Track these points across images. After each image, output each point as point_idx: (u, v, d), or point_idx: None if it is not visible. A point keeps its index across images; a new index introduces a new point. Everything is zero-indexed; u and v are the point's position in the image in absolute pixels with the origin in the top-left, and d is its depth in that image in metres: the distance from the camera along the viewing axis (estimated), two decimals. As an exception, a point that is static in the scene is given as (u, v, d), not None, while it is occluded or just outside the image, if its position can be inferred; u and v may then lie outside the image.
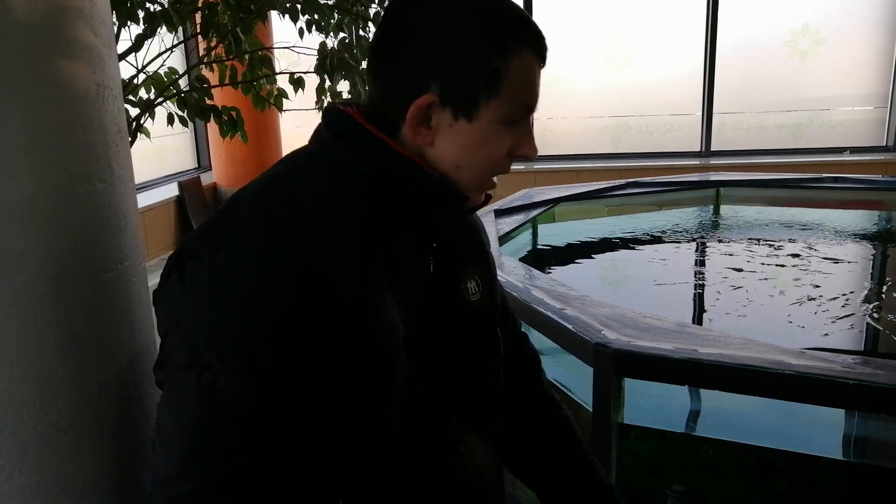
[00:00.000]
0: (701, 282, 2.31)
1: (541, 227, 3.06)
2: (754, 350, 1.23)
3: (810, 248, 2.63)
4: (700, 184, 3.47)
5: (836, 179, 3.37)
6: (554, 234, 3.07)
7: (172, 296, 0.67)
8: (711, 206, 3.49)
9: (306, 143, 0.81)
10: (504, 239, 2.48)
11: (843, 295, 2.07)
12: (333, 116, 0.77)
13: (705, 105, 5.13)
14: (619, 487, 1.47)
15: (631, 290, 2.40)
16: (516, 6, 0.77)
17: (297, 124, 5.07)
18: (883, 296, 2.09)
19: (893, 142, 5.05)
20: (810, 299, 2.04)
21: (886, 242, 2.87)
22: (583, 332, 1.34)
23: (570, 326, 1.39)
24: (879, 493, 1.73)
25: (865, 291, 2.12)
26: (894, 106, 5.04)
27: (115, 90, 0.77)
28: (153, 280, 0.72)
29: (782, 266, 2.42)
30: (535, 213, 2.84)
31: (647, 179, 3.43)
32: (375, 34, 0.79)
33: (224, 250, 0.66)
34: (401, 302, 0.76)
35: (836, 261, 2.48)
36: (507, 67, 0.74)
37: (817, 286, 2.16)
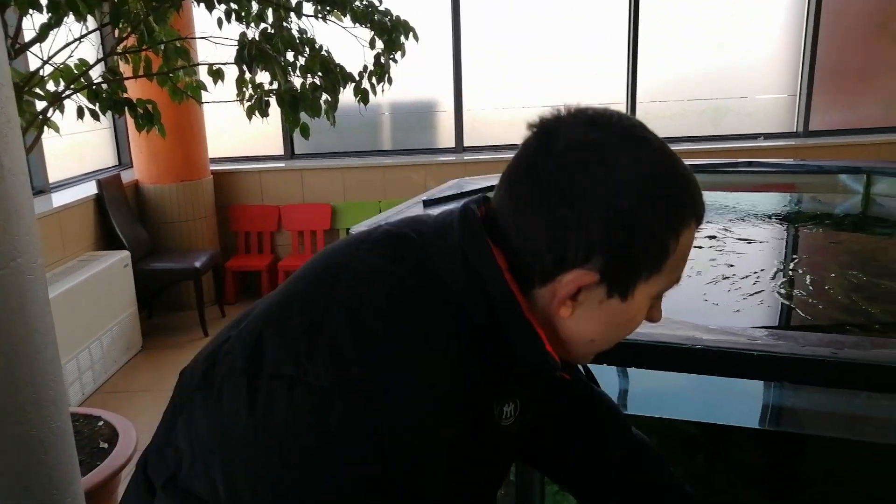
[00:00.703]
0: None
1: (470, 217, 3.08)
2: (667, 328, 1.28)
3: (726, 230, 2.74)
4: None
5: (750, 164, 3.52)
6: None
7: (227, 406, 0.65)
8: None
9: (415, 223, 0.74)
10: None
11: (755, 273, 2.16)
12: (469, 238, 0.68)
13: (629, 94, 5.27)
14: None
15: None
16: (689, 170, 0.69)
17: (226, 118, 4.96)
18: (790, 273, 2.20)
19: (803, 128, 5.30)
20: (724, 278, 2.13)
21: (796, 223, 3.02)
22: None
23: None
24: (790, 458, 1.83)
25: (775, 269, 2.22)
26: (802, 94, 5.29)
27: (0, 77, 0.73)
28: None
29: (700, 248, 2.51)
30: (462, 202, 2.86)
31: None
32: (530, 159, 0.68)
33: (313, 390, 0.61)
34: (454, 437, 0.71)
35: (749, 241, 2.59)
36: (677, 245, 0.67)
37: (731, 265, 2.26)
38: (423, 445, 0.64)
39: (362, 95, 2.25)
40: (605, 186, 0.64)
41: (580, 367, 1.07)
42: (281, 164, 5.15)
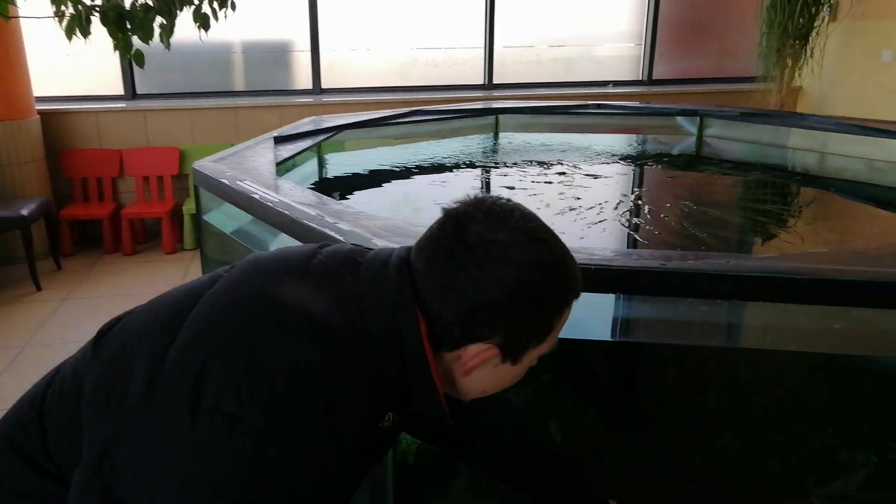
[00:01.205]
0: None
1: (326, 156, 3.00)
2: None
3: (575, 168, 2.85)
4: (480, 111, 3.61)
5: (599, 106, 3.67)
6: (339, 161, 3.03)
7: (169, 429, 0.71)
8: (491, 134, 3.65)
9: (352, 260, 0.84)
10: (285, 166, 2.40)
11: (599, 205, 2.27)
12: (402, 307, 0.78)
13: (487, 40, 5.30)
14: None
15: (410, 209, 2.45)
16: (575, 262, 0.82)
17: (56, 51, 4.48)
18: (632, 204, 2.33)
19: (647, 76, 5.60)
20: (571, 209, 2.22)
21: (638, 161, 3.19)
22: (353, 242, 1.34)
23: (341, 239, 1.37)
24: (636, 367, 1.96)
25: (618, 201, 2.34)
26: (647, 45, 5.57)
27: None
28: None
29: (550, 183, 2.59)
30: (318, 139, 2.77)
31: (430, 108, 3.49)
32: (447, 245, 0.78)
33: (251, 428, 0.69)
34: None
35: (595, 176, 2.71)
36: (560, 321, 0.81)
37: (578, 198, 2.36)
38: (341, 477, 0.77)
39: (202, 21, 2.08)
40: (512, 282, 0.76)
41: None
42: (121, 105, 4.73)
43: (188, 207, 4.53)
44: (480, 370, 0.82)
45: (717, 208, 2.40)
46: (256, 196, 1.74)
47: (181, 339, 0.78)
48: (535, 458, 1.18)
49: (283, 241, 1.65)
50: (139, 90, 4.90)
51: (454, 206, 0.82)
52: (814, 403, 2.02)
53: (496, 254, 0.76)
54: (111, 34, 1.88)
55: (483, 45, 5.32)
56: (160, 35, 1.98)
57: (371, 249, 0.89)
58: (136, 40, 2.06)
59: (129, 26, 1.83)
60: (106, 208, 4.54)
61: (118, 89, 4.84)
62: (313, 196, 1.80)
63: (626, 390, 1.98)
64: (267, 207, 1.68)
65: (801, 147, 3.26)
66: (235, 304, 0.80)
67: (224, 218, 2.11)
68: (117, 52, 2.01)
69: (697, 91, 5.47)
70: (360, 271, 0.82)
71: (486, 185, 2.70)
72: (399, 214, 2.29)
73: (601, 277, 1.23)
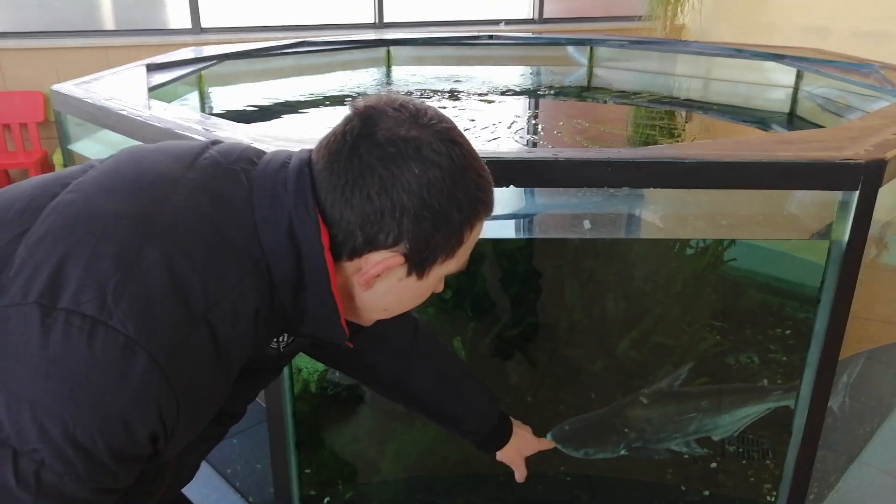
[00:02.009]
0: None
1: (207, 89, 2.82)
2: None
3: (468, 95, 2.82)
4: (370, 43, 3.49)
5: (491, 37, 3.64)
6: (221, 94, 2.85)
7: (15, 337, 0.61)
8: (383, 67, 3.55)
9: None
10: (159, 93, 2.22)
11: (494, 124, 2.25)
12: (299, 208, 0.70)
13: (376, -26, 5.13)
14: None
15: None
16: (488, 172, 0.76)
17: None
18: (525, 123, 2.32)
19: (538, 15, 5.63)
20: (465, 129, 2.18)
21: (532, 90, 3.20)
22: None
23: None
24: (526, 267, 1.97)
25: (512, 121, 2.33)
26: (538, -18, 5.58)
27: None
28: None
29: (442, 108, 2.55)
30: (196, 67, 2.59)
31: (319, 39, 3.34)
32: (353, 142, 0.70)
33: (102, 327, 0.61)
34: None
35: (489, 102, 2.69)
36: (470, 236, 0.75)
37: (472, 120, 2.33)
38: (210, 399, 0.70)
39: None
40: (420, 183, 0.69)
41: None
42: (-30, 45, 4.26)
43: (58, 158, 4.18)
44: (383, 283, 0.75)
45: (608, 126, 2.44)
46: (126, 113, 1.59)
47: (37, 228, 0.67)
48: (441, 381, 1.16)
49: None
50: (-9, 29, 4.42)
51: (361, 101, 0.74)
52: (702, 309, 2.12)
53: (406, 152, 0.69)
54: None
55: (372, -19, 5.15)
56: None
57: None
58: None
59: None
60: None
61: (-35, 28, 4.35)
62: (190, 112, 1.67)
63: (528, 297, 2.00)
64: (141, 123, 1.53)
65: (686, 74, 3.36)
66: (107, 196, 0.69)
67: (94, 146, 1.93)
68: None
69: (586, 29, 5.55)
70: (254, 171, 0.74)
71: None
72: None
73: (495, 169, 1.20)
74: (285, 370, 1.41)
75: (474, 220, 0.75)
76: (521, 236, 1.43)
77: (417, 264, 0.74)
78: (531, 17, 5.64)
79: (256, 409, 1.73)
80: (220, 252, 0.67)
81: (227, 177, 0.73)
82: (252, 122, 2.52)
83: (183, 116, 1.54)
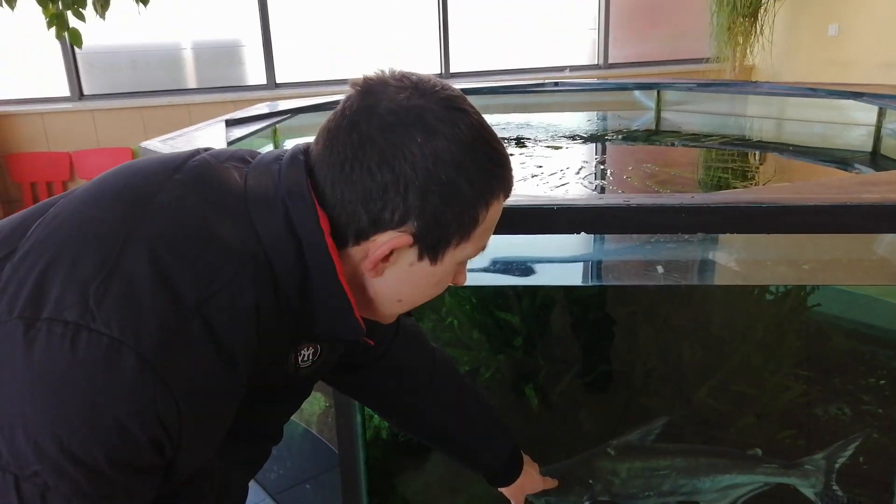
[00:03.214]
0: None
1: (281, 140, 2.94)
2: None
3: (535, 141, 2.84)
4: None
5: (557, 84, 3.67)
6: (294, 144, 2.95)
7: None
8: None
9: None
10: (237, 146, 2.32)
11: (561, 170, 2.25)
12: (296, 197, 0.65)
13: (441, 23, 5.28)
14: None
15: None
16: (503, 145, 0.70)
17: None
18: (594, 168, 2.32)
19: (603, 60, 5.64)
20: (533, 176, 2.20)
21: (599, 135, 3.19)
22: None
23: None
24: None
25: (580, 167, 2.33)
26: (602, 28, 5.61)
27: None
28: None
29: (512, 155, 2.57)
30: (272, 122, 2.71)
31: (388, 90, 3.44)
32: (353, 117, 0.65)
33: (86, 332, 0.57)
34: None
35: (556, 148, 2.70)
36: (486, 216, 0.69)
37: (540, 166, 2.34)
38: (218, 403, 0.65)
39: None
40: (424, 154, 0.64)
41: None
42: (68, 106, 4.59)
43: (144, 208, 4.41)
44: (394, 270, 0.69)
45: (679, 169, 2.40)
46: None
47: (22, 245, 0.64)
48: (460, 413, 1.12)
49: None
50: (86, 91, 4.75)
51: (362, 77, 0.69)
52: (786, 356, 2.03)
53: (408, 121, 0.64)
54: (39, 2, 1.79)
55: (438, 33, 5.30)
56: (94, 5, 1.89)
57: None
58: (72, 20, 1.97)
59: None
60: (57, 213, 4.39)
61: (64, 91, 4.70)
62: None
63: (601, 344, 1.96)
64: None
65: (758, 115, 3.29)
66: (91, 205, 0.66)
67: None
68: (60, 44, 1.92)
69: (653, 73, 5.53)
70: (247, 168, 0.69)
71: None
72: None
73: (565, 217, 1.20)
74: (357, 416, 1.42)
75: (489, 197, 0.68)
76: (593, 283, 1.41)
77: (429, 246, 0.68)
78: (596, 62, 5.67)
79: (329, 455, 1.75)
80: (212, 246, 0.63)
81: (218, 174, 0.68)
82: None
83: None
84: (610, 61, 5.66)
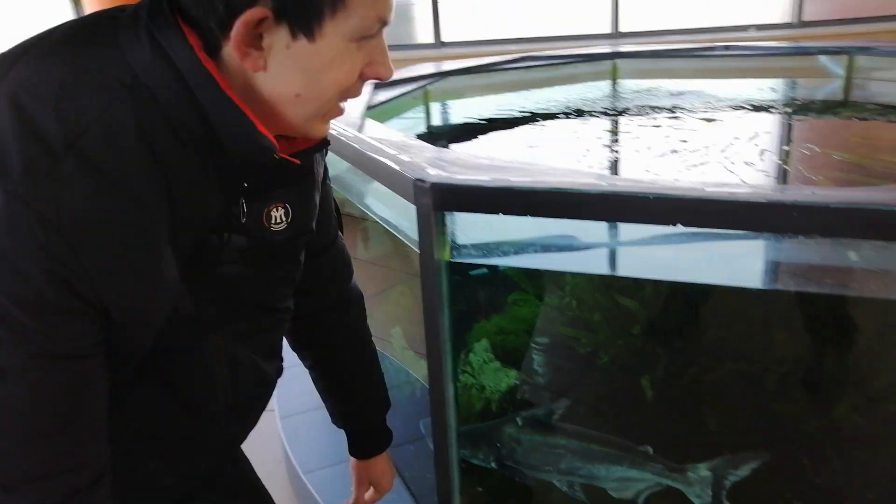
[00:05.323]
0: (574, 142, 2.30)
1: (430, 104, 2.98)
2: (563, 175, 1.21)
3: (690, 112, 2.63)
4: (594, 56, 3.42)
5: (727, 48, 3.35)
6: (441, 108, 3.00)
7: None
8: (608, 81, 3.45)
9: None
10: (383, 110, 2.40)
11: (705, 147, 2.08)
12: (155, 15, 0.65)
13: (614, -17, 5.01)
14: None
15: (502, 153, 2.37)
16: None
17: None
18: (743, 146, 2.11)
19: (797, 18, 5.05)
20: (673, 151, 2.05)
21: (767, 106, 2.89)
22: (406, 170, 1.30)
23: (395, 166, 1.34)
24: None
25: (728, 144, 2.13)
26: (799, -19, 5.02)
27: None
28: None
29: (658, 126, 2.41)
30: (418, 85, 2.74)
31: (542, 54, 3.35)
32: None
33: None
34: (185, 246, 0.70)
35: (710, 121, 2.49)
36: None
37: (684, 140, 2.17)
38: (132, 241, 0.64)
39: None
40: None
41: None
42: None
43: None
44: (275, 59, 0.65)
45: (847, 152, 2.12)
46: (334, 132, 1.74)
47: None
48: (356, 349, 1.18)
49: (376, 188, 1.60)
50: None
51: None
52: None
53: None
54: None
55: (610, -10, 5.03)
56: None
57: None
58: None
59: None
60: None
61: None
62: (394, 135, 1.77)
63: (729, 344, 1.82)
64: (343, 142, 1.67)
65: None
66: None
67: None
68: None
69: (858, 32, 4.86)
70: (126, 10, 0.69)
71: (585, 129, 2.56)
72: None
73: (659, 207, 1.11)
74: (450, 382, 1.43)
75: None
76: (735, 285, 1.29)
77: (296, 18, 0.63)
78: (789, 21, 5.09)
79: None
80: (78, 87, 0.62)
81: (89, 24, 0.68)
82: (459, 140, 2.61)
83: (378, 137, 1.64)
84: (804, 18, 5.05)
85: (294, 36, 0.65)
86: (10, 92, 0.61)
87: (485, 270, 1.86)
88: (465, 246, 1.33)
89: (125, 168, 0.62)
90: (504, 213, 1.26)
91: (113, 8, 0.69)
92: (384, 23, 0.69)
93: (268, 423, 2.22)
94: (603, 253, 1.42)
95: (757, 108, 2.79)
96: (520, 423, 1.56)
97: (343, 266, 1.15)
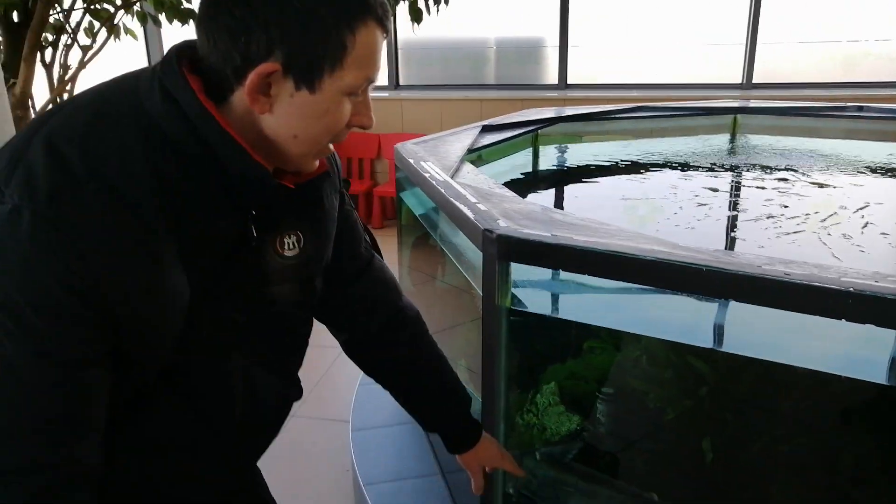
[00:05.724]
0: (668, 199, 2.29)
1: (538, 150, 3.05)
2: (625, 239, 1.25)
3: (803, 175, 2.55)
4: (713, 110, 3.36)
5: (860, 108, 3.19)
6: (544, 154, 3.06)
7: None
8: (725, 134, 3.38)
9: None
10: (485, 153, 2.50)
11: (806, 214, 2.02)
12: (165, 68, 0.76)
13: (749, 32, 4.88)
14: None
15: (593, 204, 2.40)
16: None
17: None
18: (849, 218, 2.03)
19: (956, 77, 4.69)
20: (769, 217, 2.01)
21: (888, 172, 2.73)
22: (479, 219, 1.39)
23: (470, 215, 1.43)
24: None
25: (831, 214, 2.06)
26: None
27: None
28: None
29: (762, 189, 2.36)
30: (525, 130, 2.83)
31: (656, 104, 3.34)
32: None
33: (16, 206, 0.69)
34: (198, 267, 0.79)
35: (821, 186, 2.40)
36: (354, 42, 0.75)
37: (786, 206, 2.12)
38: (141, 254, 0.72)
39: (415, 15, 2.27)
40: None
41: (366, 237, 1.16)
42: (385, 94, 5.28)
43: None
44: (280, 104, 0.76)
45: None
46: (425, 174, 1.86)
47: None
48: (425, 359, 1.20)
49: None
50: (402, 82, 5.40)
51: None
52: None
53: None
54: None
55: (745, 41, 4.91)
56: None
57: None
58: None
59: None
60: (363, 185, 5.11)
61: (383, 80, 5.40)
62: (483, 181, 1.87)
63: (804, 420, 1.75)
64: (429, 184, 1.79)
65: None
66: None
67: (413, 199, 2.28)
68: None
69: None
70: (149, 67, 0.80)
71: (684, 184, 2.54)
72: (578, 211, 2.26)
73: (714, 281, 1.13)
74: (501, 421, 1.49)
75: (352, 21, 0.74)
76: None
77: (301, 74, 0.74)
78: (947, 80, 4.74)
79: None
80: (101, 126, 0.73)
81: (117, 80, 0.80)
82: (553, 187, 2.66)
83: (466, 182, 1.75)
84: (966, 79, 4.68)
85: (298, 88, 0.76)
86: (46, 134, 0.72)
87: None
88: (527, 295, 1.41)
89: (136, 192, 0.71)
90: (563, 269, 1.32)
91: (139, 69, 0.82)
92: (371, 81, 0.80)
93: (341, 434, 2.33)
94: (674, 322, 1.45)
95: (878, 174, 2.66)
96: (538, 457, 1.61)
97: (385, 287, 1.17)
